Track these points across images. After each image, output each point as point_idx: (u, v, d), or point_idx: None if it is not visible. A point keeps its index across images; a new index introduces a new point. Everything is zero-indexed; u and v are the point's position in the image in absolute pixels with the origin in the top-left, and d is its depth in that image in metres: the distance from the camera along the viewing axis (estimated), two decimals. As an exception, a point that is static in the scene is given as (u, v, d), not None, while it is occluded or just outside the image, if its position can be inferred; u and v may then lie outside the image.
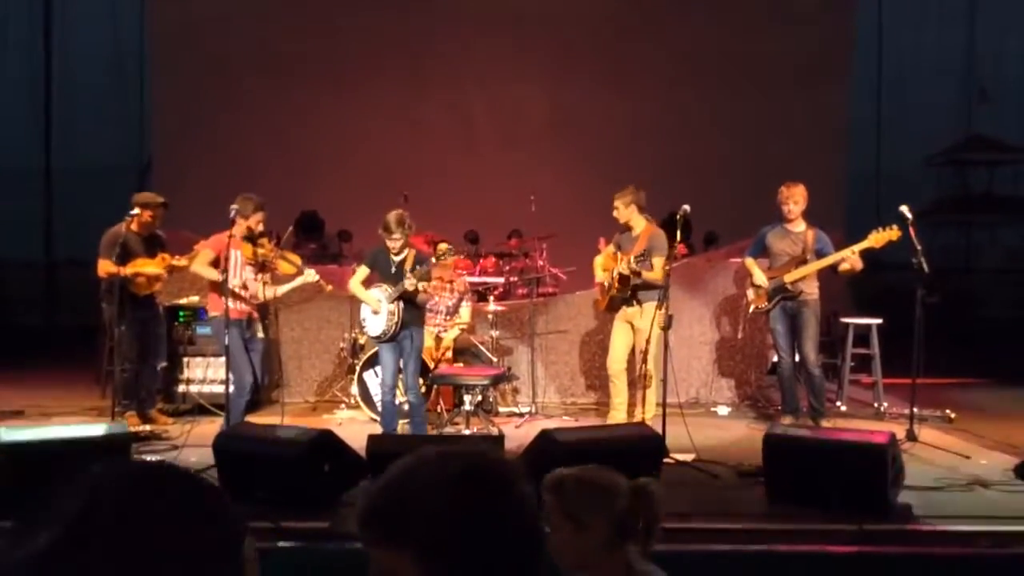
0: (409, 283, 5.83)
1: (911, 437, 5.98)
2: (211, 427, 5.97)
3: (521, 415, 7.19)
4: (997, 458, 5.68)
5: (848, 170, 12.14)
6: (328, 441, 4.79)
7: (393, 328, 5.96)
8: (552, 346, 7.94)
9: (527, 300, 7.98)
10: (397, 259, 6.02)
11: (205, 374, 7.15)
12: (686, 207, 6.03)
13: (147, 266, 6.50)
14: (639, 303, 6.45)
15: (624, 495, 2.01)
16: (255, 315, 6.21)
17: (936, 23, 16.18)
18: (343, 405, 7.33)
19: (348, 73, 11.45)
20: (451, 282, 7.39)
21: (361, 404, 6.93)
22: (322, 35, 11.38)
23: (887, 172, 15.44)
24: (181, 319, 7.28)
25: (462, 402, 6.53)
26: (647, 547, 2.02)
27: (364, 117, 11.27)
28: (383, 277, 6.06)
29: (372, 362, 6.75)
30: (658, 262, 6.21)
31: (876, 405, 7.39)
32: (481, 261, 9.40)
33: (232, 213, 5.85)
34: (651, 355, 6.19)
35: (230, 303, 5.75)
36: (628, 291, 6.43)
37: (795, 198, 6.50)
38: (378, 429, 6.13)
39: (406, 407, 6.25)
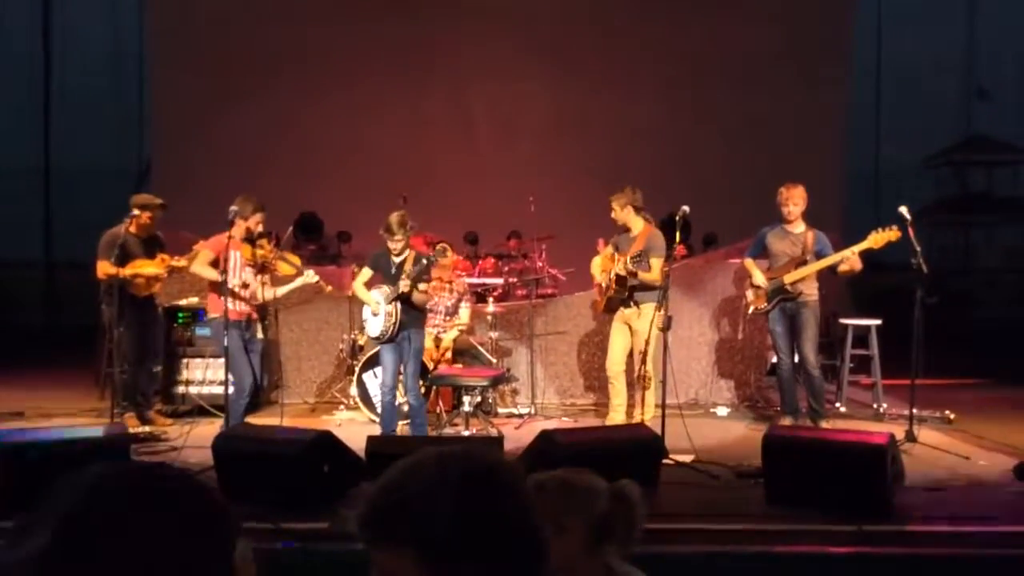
0: (404, 284, 5.84)
1: (910, 438, 5.97)
2: (210, 428, 5.97)
3: (520, 416, 7.20)
4: (997, 459, 5.68)
5: (847, 170, 12.14)
6: (327, 442, 4.79)
7: (391, 329, 5.96)
8: (551, 347, 7.95)
9: (526, 301, 7.98)
10: (397, 260, 6.03)
11: (204, 375, 7.14)
12: (685, 208, 6.00)
13: (146, 267, 6.50)
14: (636, 304, 6.43)
15: (603, 497, 2.00)
16: (254, 316, 6.20)
17: (935, 23, 16.21)
18: (342, 406, 7.32)
19: (348, 74, 11.43)
20: (450, 283, 7.40)
21: (360, 405, 6.93)
22: (322, 35, 11.37)
23: (886, 172, 15.46)
24: (180, 320, 7.28)
25: (461, 403, 6.53)
26: (627, 549, 2.02)
27: (364, 118, 11.27)
28: (384, 278, 6.07)
29: (371, 363, 6.75)
30: (656, 263, 6.21)
31: (875, 406, 7.38)
32: (480, 262, 9.39)
33: (231, 214, 5.83)
34: (650, 356, 6.17)
35: (229, 304, 5.74)
36: (625, 292, 6.42)
37: (795, 199, 6.48)
38: (377, 430, 6.13)
39: (405, 408, 6.26)
